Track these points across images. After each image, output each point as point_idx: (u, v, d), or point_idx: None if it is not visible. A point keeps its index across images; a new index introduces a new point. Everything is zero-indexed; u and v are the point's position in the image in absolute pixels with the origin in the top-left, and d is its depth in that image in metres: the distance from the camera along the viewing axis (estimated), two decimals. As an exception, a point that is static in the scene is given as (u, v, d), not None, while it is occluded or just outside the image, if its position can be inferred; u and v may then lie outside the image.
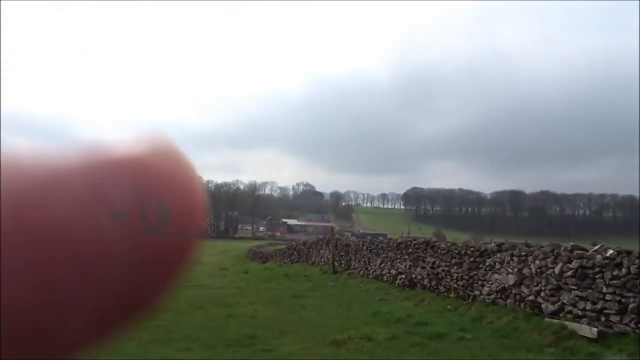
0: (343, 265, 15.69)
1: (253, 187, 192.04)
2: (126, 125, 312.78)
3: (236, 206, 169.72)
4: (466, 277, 9.23)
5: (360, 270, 14.22)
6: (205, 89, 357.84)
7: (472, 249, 9.36)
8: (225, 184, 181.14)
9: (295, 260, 22.19)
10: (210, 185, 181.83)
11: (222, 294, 11.09)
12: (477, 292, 8.90)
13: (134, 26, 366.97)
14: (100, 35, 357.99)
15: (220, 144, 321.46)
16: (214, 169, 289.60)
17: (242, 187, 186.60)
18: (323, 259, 18.16)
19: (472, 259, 9.20)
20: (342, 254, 15.98)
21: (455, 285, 9.53)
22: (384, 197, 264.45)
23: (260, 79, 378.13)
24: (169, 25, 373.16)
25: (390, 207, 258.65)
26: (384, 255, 13.03)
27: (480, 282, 8.89)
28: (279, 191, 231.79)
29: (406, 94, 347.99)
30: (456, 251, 9.75)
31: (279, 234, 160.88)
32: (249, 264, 32.18)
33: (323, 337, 6.60)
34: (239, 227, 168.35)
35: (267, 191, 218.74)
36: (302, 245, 21.95)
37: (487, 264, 8.77)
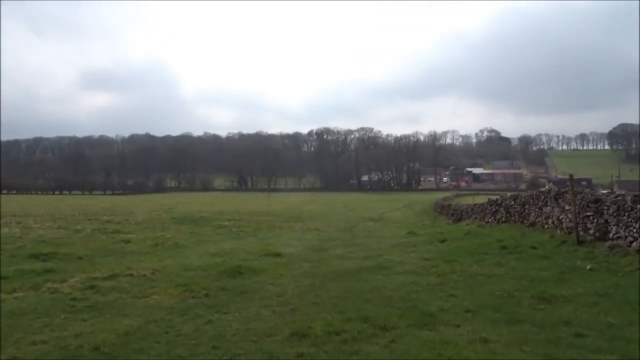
0: (592, 231, 10.39)
1: (433, 138, 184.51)
2: (309, 89, 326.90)
3: (417, 158, 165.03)
4: None
5: (633, 242, 8.87)
6: (380, 43, 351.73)
7: None
8: (405, 136, 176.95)
9: (503, 219, 17.16)
10: (389, 138, 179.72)
11: (415, 288, 7.12)
12: None
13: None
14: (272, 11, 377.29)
15: (399, 96, 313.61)
16: (394, 121, 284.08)
17: (422, 138, 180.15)
18: (550, 220, 12.92)
19: None
20: (589, 214, 10.61)
21: None
22: (583, 137, 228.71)
23: (439, 22, 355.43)
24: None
25: (591, 148, 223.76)
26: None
27: None
28: (460, 140, 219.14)
29: (615, 13, 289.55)
30: None
31: (464, 183, 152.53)
32: (439, 223, 27.88)
33: None
34: (422, 178, 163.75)
35: (448, 140, 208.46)
36: (511, 200, 16.76)
37: None
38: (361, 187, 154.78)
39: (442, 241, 12.96)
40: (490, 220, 18.62)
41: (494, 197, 20.48)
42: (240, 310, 6.10)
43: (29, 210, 30.61)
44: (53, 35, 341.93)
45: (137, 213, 31.31)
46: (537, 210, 14.10)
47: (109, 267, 9.24)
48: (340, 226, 24.86)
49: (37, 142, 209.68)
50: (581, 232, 10.53)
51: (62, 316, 5.82)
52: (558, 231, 12.04)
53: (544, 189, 14.35)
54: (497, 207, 18.41)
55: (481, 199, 28.23)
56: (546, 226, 13.04)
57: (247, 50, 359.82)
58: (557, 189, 13.13)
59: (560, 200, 12.48)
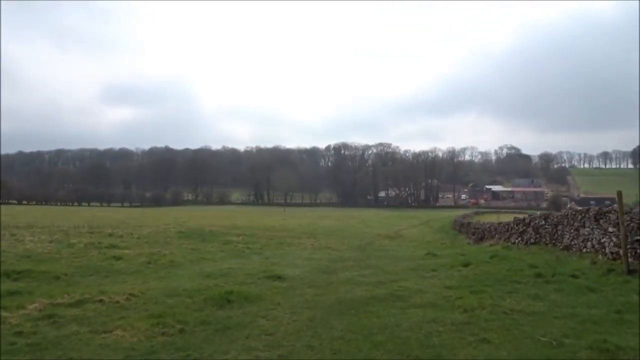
0: (644, 258, 8.91)
1: (452, 154, 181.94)
2: (327, 104, 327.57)
3: (435, 174, 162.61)
4: None
5: (701, 274, 7.39)
6: (401, 59, 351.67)
7: None
8: (423, 152, 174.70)
9: (532, 241, 15.62)
10: (407, 154, 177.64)
11: (438, 328, 5.78)
12: None
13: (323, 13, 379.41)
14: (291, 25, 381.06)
15: (418, 112, 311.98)
16: (412, 137, 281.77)
17: (440, 154, 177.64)
18: (590, 244, 11.41)
19: None
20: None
21: None
22: (605, 156, 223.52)
23: (463, 38, 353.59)
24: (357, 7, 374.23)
25: (614, 167, 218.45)
26: None
27: None
28: (479, 156, 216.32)
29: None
30: None
31: (482, 201, 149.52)
32: (459, 242, 26.25)
33: None
34: (440, 195, 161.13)
35: (467, 157, 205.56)
36: (541, 220, 15.24)
37: None
38: (378, 203, 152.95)
39: (466, 265, 11.53)
40: (516, 241, 17.06)
41: (520, 216, 18.94)
42: (214, 355, 4.84)
43: (36, 221, 29.94)
44: (75, 49, 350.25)
45: (146, 226, 30.34)
46: (572, 231, 12.60)
47: (83, 289, 8.07)
48: (353, 244, 23.45)
49: (59, 153, 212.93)
50: (630, 259, 9.06)
51: (-10, 359, 4.64)
52: (600, 256, 10.54)
53: (580, 209, 12.83)
54: (524, 227, 16.86)
55: (503, 217, 26.61)
56: (584, 250, 11.54)
57: (265, 65, 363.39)
58: (597, 208, 11.64)
59: (601, 220, 11.00)
